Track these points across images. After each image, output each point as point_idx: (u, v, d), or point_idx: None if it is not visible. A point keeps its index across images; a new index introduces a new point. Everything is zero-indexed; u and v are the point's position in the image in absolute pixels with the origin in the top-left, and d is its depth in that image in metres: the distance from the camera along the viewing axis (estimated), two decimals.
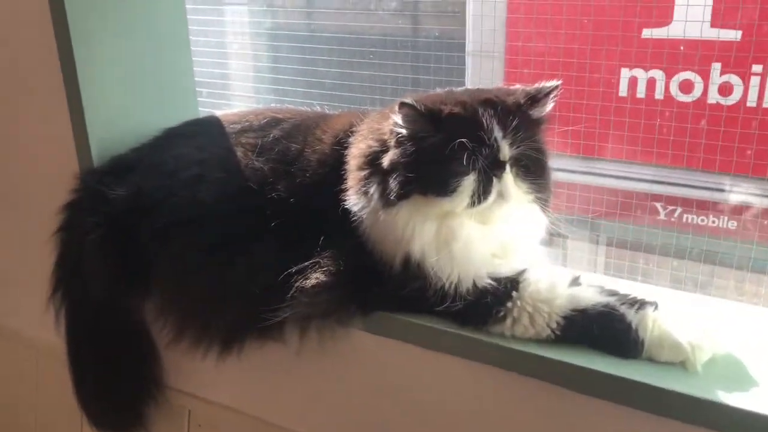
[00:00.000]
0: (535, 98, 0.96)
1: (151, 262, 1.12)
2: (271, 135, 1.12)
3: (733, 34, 1.79)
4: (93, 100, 1.27)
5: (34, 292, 1.27)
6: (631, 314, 0.89)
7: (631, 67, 1.95)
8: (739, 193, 1.95)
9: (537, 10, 1.97)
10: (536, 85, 0.97)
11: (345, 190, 1.00)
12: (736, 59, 1.80)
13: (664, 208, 2.09)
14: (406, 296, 0.97)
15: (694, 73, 1.87)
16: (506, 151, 0.93)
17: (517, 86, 0.99)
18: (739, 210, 1.95)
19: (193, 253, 1.07)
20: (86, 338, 1.25)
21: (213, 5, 2.23)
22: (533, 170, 0.96)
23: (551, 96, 0.96)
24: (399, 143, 0.94)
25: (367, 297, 1.00)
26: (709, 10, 1.77)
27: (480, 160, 0.92)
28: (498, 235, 0.98)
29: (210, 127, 1.21)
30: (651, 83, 1.93)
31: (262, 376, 1.20)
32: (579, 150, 1.93)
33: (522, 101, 0.95)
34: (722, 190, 1.99)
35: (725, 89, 1.83)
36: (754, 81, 1.79)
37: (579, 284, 0.96)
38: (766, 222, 1.84)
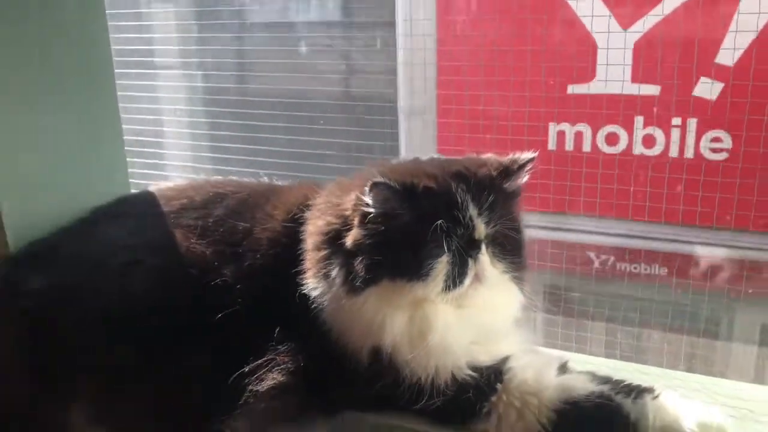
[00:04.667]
0: (509, 170, 0.88)
1: (76, 366, 0.96)
2: (215, 213, 1.00)
3: (653, 89, 1.89)
4: (6, 177, 1.11)
5: None
6: (628, 405, 0.81)
7: (558, 121, 2.03)
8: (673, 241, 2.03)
9: (466, 72, 2.03)
10: (510, 156, 0.90)
11: (302, 273, 0.88)
12: (657, 113, 1.89)
13: (598, 257, 2.16)
14: (377, 394, 0.86)
15: (618, 126, 1.97)
16: (482, 229, 0.85)
17: (489, 156, 0.92)
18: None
19: (125, 355, 0.92)
20: None
21: (144, 68, 2.11)
22: (509, 248, 0.89)
23: (526, 168, 0.89)
24: (365, 222, 0.84)
25: (332, 397, 0.88)
26: (629, 67, 1.86)
27: (455, 241, 0.83)
28: (475, 320, 0.88)
29: (143, 206, 1.07)
30: (578, 136, 2.01)
31: None
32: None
33: (495, 174, 0.88)
34: (660, 239, 2.06)
35: (648, 141, 1.91)
36: (675, 133, 1.88)
37: (567, 371, 0.87)
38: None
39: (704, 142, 1.89)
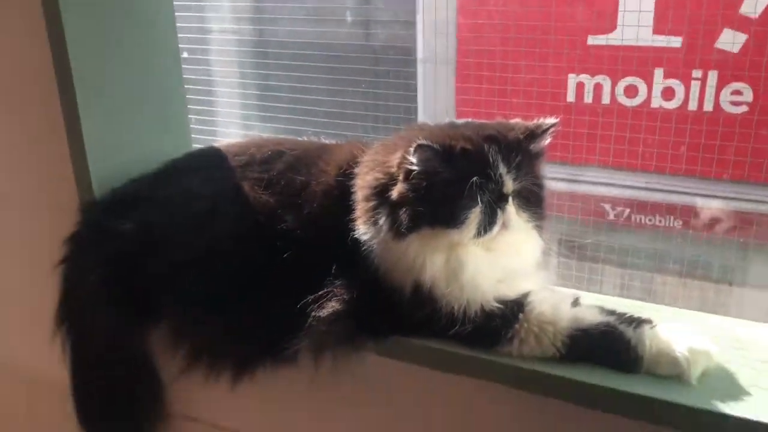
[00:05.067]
0: (534, 134, 1.02)
1: (159, 297, 1.14)
2: (276, 168, 1.15)
3: (675, 41, 1.85)
4: (93, 130, 1.28)
5: (32, 325, 1.28)
6: (629, 332, 0.96)
7: (577, 73, 1.99)
8: (701, 195, 2.05)
9: (487, 16, 2.03)
10: (535, 121, 1.03)
11: (353, 220, 1.04)
12: (677, 65, 1.86)
13: (613, 209, 2.19)
14: (418, 321, 1.02)
15: (638, 78, 1.92)
16: (509, 185, 1.00)
17: (517, 120, 1.05)
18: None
19: (205, 288, 1.09)
20: (92, 371, 1.26)
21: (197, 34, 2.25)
22: (532, 201, 1.04)
23: (549, 132, 1.03)
24: (409, 178, 0.99)
25: (380, 323, 1.05)
26: (651, 18, 1.82)
27: (486, 194, 0.98)
28: (502, 262, 1.04)
29: (214, 159, 1.23)
30: (597, 88, 1.98)
31: (275, 401, 1.24)
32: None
33: (522, 137, 1.02)
34: (688, 194, 2.07)
35: (668, 94, 1.89)
36: (695, 86, 1.86)
37: (579, 305, 1.03)
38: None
39: (724, 95, 1.87)
